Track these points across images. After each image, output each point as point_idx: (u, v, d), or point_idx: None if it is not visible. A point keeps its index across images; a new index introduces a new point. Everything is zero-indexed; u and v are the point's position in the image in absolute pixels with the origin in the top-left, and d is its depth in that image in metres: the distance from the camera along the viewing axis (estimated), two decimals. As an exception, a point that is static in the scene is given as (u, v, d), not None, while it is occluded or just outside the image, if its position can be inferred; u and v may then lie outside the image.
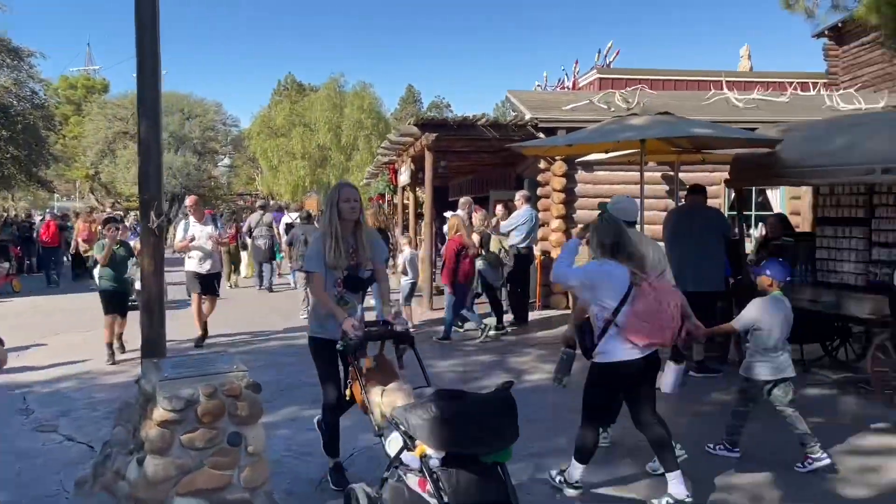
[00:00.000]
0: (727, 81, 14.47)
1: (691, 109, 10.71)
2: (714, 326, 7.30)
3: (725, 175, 7.77)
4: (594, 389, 4.18)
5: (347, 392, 3.95)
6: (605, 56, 19.28)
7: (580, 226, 7.05)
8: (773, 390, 4.74)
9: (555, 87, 20.19)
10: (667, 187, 11.30)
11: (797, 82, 15.30)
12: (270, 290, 14.79)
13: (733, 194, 9.78)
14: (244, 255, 16.61)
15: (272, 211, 17.79)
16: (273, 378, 6.99)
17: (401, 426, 3.17)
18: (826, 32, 16.86)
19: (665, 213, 8.13)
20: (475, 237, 9.48)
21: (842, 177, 6.27)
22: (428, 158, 11.45)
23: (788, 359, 4.77)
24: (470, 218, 10.12)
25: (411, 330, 4.19)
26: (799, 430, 4.65)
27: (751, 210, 12.02)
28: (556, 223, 11.23)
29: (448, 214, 9.97)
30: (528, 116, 11.22)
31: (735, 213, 8.16)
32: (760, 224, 11.29)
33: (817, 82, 15.92)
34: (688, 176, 9.96)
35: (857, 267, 6.60)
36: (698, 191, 7.41)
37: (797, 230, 9.02)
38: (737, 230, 7.87)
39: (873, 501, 4.19)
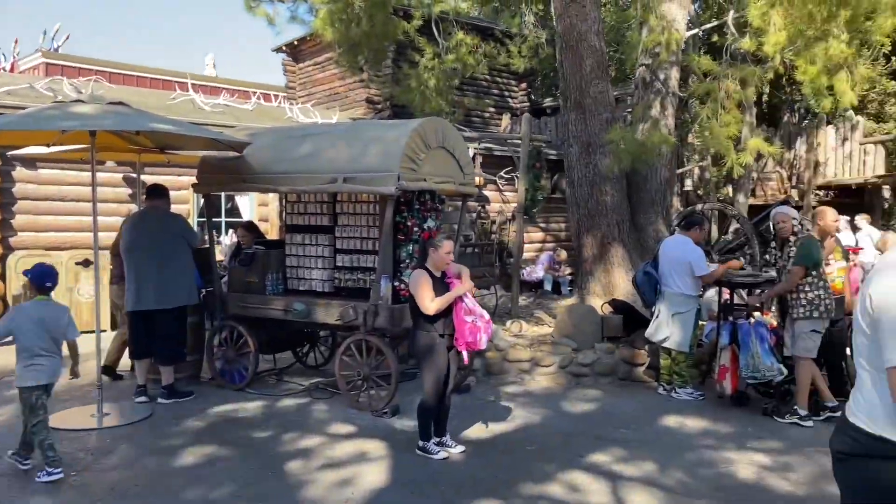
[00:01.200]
0: (193, 84, 13.96)
1: (155, 108, 9.85)
2: (185, 344, 6.68)
3: (194, 179, 7.17)
4: None
5: None
6: (53, 39, 16.85)
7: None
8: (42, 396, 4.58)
9: (-12, 67, 16.77)
10: (130, 190, 10.20)
11: (261, 92, 15.76)
12: None
13: (202, 200, 9.27)
14: None
15: None
16: None
17: None
18: (284, 48, 17.82)
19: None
20: None
21: (307, 185, 6.28)
22: None
23: (54, 364, 4.62)
24: None
25: None
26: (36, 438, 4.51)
27: (221, 217, 11.74)
28: (-14, 231, 9.04)
29: None
30: (-61, 95, 8.75)
31: (204, 219, 7.61)
32: (231, 231, 11.07)
33: (278, 95, 16.67)
34: (155, 179, 9.05)
35: (325, 273, 6.74)
36: (158, 194, 6.59)
37: (268, 237, 9.00)
38: (207, 237, 7.34)
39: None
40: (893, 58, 15.93)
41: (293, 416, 6.02)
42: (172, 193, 7.12)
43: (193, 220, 10.93)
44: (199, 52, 79.30)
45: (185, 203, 10.76)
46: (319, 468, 4.79)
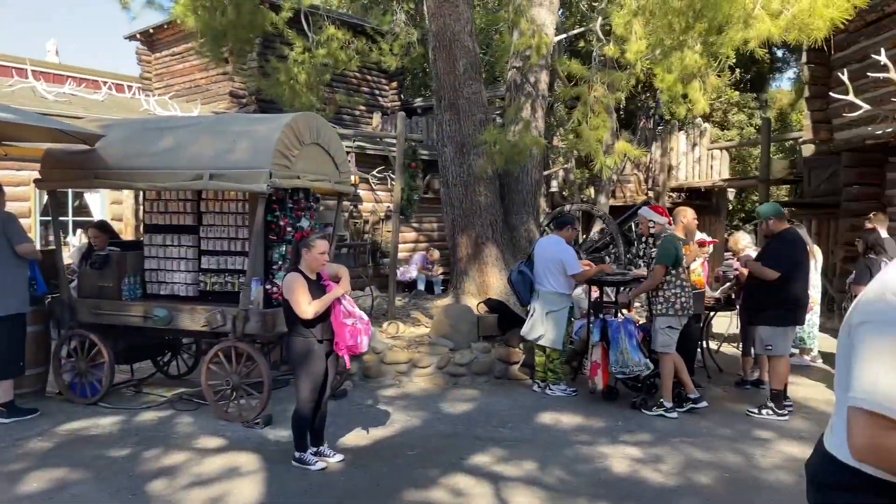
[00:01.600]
0: (34, 70, 12.74)
1: (-11, 94, 8.89)
2: (21, 355, 5.98)
3: (36, 174, 6.49)
4: None
5: None
6: None
7: None
8: None
9: None
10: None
11: (112, 82, 14.69)
12: None
13: (46, 197, 8.45)
14: None
15: None
16: None
17: None
18: (139, 36, 16.70)
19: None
20: None
21: (169, 181, 5.83)
22: None
23: None
24: None
25: None
26: None
27: (68, 216, 10.80)
28: None
29: None
30: None
31: (49, 218, 6.91)
32: (79, 231, 10.21)
33: (133, 85, 15.62)
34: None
35: (188, 276, 6.29)
36: None
37: (122, 238, 8.33)
38: (52, 238, 6.67)
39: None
40: (737, 70, 17.25)
41: (155, 430, 5.56)
42: (11, 190, 6.42)
43: (35, 220, 9.95)
44: (40, 36, 72.69)
45: (26, 200, 9.78)
46: (187, 486, 4.44)
